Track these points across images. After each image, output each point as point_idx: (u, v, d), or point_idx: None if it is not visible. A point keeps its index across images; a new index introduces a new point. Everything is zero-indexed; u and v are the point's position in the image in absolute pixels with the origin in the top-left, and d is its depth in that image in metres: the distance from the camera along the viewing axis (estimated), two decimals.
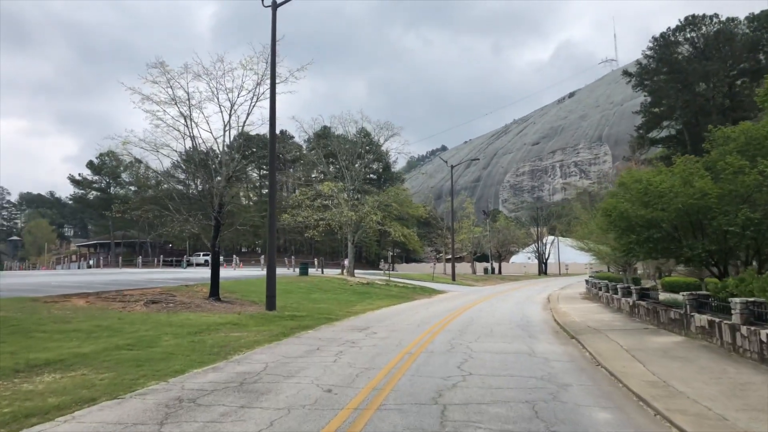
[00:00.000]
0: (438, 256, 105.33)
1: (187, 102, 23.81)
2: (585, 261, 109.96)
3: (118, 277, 36.04)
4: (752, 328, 10.49)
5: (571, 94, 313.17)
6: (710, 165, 15.66)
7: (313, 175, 45.87)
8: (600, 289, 30.45)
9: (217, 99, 24.91)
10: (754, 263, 16.88)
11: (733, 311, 11.30)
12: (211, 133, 25.76)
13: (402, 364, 10.96)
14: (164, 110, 23.74)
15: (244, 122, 25.30)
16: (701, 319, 12.93)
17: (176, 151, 25.05)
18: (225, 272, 50.96)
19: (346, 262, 47.30)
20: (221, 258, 79.70)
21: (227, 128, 25.45)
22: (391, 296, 34.57)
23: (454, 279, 59.01)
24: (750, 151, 15.19)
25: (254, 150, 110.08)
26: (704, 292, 13.68)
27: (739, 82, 71.05)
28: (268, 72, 23.68)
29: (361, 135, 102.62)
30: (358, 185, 48.36)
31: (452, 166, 59.96)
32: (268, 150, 25.19)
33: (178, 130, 23.90)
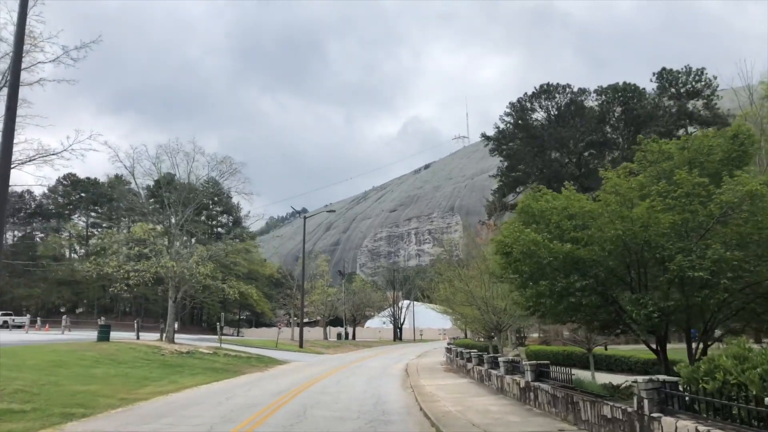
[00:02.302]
0: (291, 320, 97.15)
1: None
2: (439, 327, 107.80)
3: None
4: None
5: (427, 166, 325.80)
6: (643, 189, 11.03)
7: (153, 227, 36.97)
8: (468, 360, 25.24)
9: None
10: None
11: None
12: None
13: None
14: None
15: None
16: (680, 427, 7.50)
17: None
18: (11, 336, 39.36)
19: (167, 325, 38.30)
20: (21, 318, 65.05)
21: None
22: (213, 370, 26.75)
23: (301, 346, 51.68)
24: (695, 168, 10.76)
25: (82, 194, 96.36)
26: (669, 378, 8.42)
27: (586, 154, 73.75)
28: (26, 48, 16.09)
29: (209, 184, 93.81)
30: (190, 231, 40.24)
31: (305, 217, 53.83)
32: None
33: None
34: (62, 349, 26.67)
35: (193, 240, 58.35)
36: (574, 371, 15.20)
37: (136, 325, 42.62)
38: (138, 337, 39.54)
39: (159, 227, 36.00)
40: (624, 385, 12.44)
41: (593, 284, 10.43)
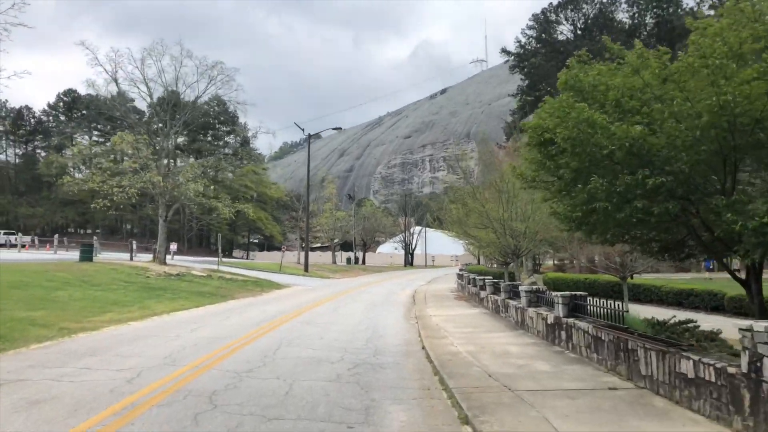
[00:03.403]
0: (304, 246, 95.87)
1: None
2: (451, 253, 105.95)
3: None
4: None
5: (443, 91, 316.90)
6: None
7: (135, 137, 33.03)
8: (482, 287, 22.43)
9: None
10: None
11: None
12: None
13: None
14: None
15: None
16: None
17: None
18: None
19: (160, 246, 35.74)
20: (25, 238, 63.53)
21: None
22: (199, 294, 24.25)
23: (306, 270, 49.46)
24: None
25: (83, 112, 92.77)
26: None
27: None
28: None
29: (214, 102, 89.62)
30: (181, 147, 37.01)
31: (309, 135, 50.25)
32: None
33: None
34: (34, 269, 24.22)
35: (197, 159, 55.20)
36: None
37: (130, 245, 40.36)
38: (132, 258, 37.35)
39: (143, 137, 32.69)
40: (671, 322, 9.47)
41: (671, 184, 7.11)
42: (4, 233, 61.78)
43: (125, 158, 33.18)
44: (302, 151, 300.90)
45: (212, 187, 34.91)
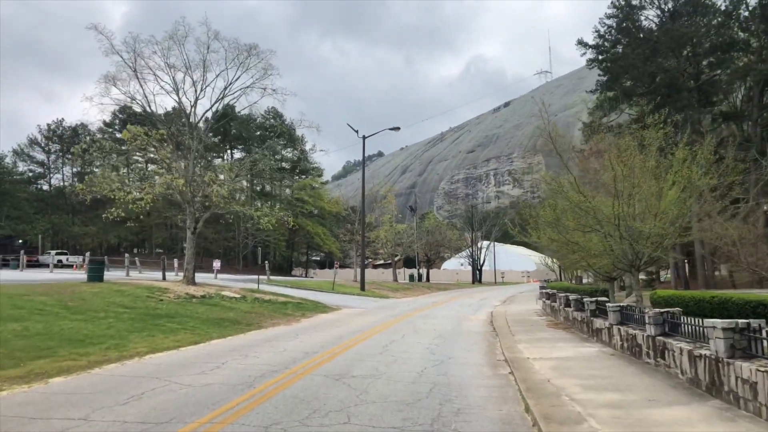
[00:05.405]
0: (369, 262, 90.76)
1: None
2: (522, 269, 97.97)
3: None
4: None
5: (507, 104, 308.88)
6: None
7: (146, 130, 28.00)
8: (596, 313, 15.86)
9: None
10: None
11: None
12: None
13: None
14: None
15: None
16: None
17: None
18: (13, 275, 33.29)
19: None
20: (74, 258, 60.93)
21: None
22: (216, 323, 18.76)
23: (363, 288, 43.75)
24: None
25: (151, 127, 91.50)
26: None
27: (705, 63, 59.71)
28: None
29: (270, 115, 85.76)
30: (204, 141, 32.17)
31: (364, 137, 44.66)
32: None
33: None
34: (13, 292, 19.41)
35: (252, 175, 50.54)
36: None
37: (162, 263, 35.83)
38: (164, 278, 32.85)
39: (161, 131, 28.08)
40: None
41: None
42: (57, 253, 59.55)
43: (139, 157, 28.48)
44: (366, 168, 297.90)
45: (229, 188, 29.68)
